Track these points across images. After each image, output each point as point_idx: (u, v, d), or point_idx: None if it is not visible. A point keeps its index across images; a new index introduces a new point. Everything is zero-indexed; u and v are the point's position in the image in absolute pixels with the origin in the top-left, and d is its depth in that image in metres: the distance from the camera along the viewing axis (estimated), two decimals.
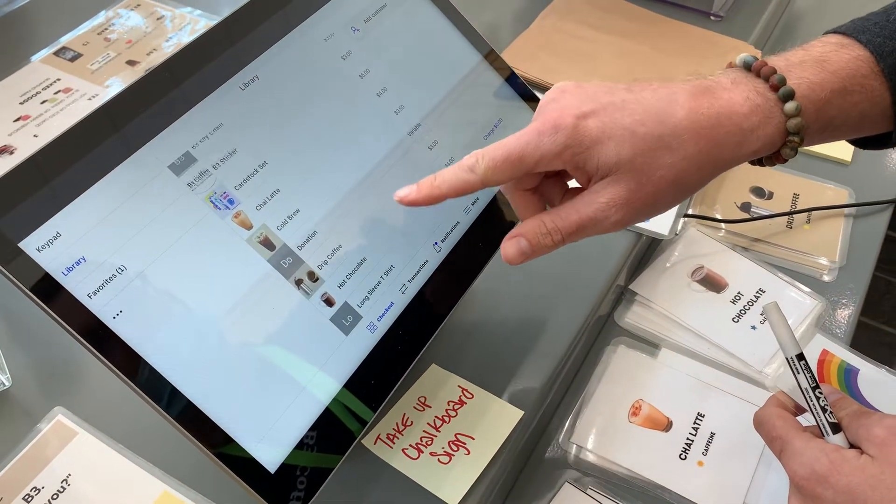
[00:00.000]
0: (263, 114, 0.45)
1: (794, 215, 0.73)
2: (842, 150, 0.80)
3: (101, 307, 0.38)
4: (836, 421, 0.46)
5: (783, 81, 0.41)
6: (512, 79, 0.57)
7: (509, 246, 0.42)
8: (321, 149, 0.47)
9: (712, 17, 0.89)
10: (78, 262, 0.37)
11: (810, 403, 0.47)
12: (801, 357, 0.47)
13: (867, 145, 0.48)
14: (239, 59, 0.45)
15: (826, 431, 0.46)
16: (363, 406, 0.45)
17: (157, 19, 0.88)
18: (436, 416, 0.53)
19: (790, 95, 0.41)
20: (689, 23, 0.88)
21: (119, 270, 0.38)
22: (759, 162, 0.45)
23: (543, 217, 0.42)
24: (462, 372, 0.56)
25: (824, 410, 0.46)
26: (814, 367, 0.56)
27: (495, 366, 0.57)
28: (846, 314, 0.67)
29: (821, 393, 0.47)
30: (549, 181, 0.45)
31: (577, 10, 0.89)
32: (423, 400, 0.54)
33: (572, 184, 0.46)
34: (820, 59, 0.43)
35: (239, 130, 0.44)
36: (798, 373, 0.47)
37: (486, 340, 0.58)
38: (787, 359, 0.48)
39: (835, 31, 0.45)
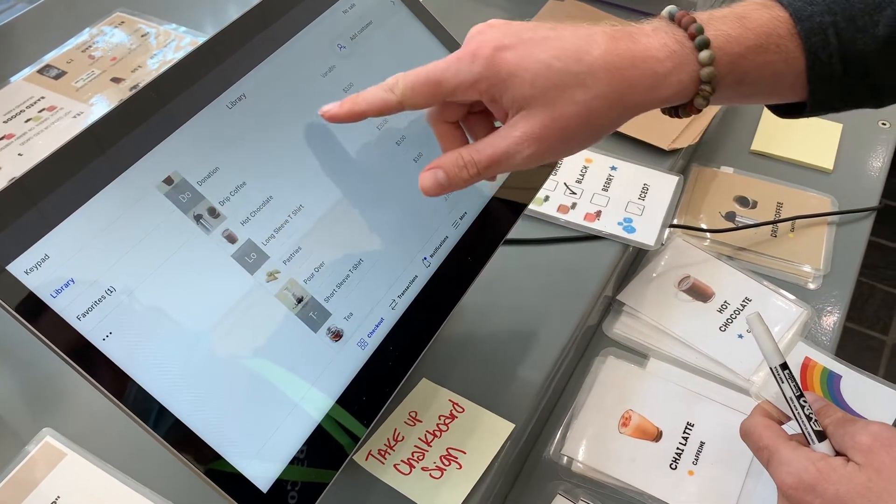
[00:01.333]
0: (249, 130, 0.45)
1: (778, 224, 0.74)
2: (824, 158, 0.81)
3: (90, 329, 0.37)
4: (821, 429, 0.47)
5: (700, 31, 0.42)
6: None
7: (427, 177, 0.43)
8: (299, 156, 0.47)
9: None
10: (67, 284, 0.37)
11: (795, 412, 0.47)
12: (784, 366, 0.48)
13: (785, 113, 0.49)
14: (225, 78, 0.45)
15: (811, 440, 0.46)
16: (355, 421, 0.45)
17: (142, 36, 0.88)
18: (427, 431, 0.53)
19: (705, 44, 0.42)
20: None
21: (108, 291, 0.38)
22: (675, 112, 0.45)
23: (461, 151, 0.43)
24: (452, 386, 0.56)
25: (809, 419, 0.47)
26: (797, 374, 0.56)
27: (485, 379, 0.57)
28: (831, 321, 0.67)
29: (805, 401, 0.47)
30: (474, 118, 0.46)
31: (562, 22, 0.90)
32: (414, 415, 0.54)
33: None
34: (741, 16, 0.44)
35: (223, 146, 0.44)
36: (782, 382, 0.48)
37: (476, 354, 0.59)
38: (770, 368, 0.48)
39: None
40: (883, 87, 0.45)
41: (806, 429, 0.47)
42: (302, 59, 0.49)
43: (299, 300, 0.44)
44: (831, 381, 0.62)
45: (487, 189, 0.55)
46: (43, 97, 0.80)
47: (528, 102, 0.41)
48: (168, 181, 0.42)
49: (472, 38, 0.43)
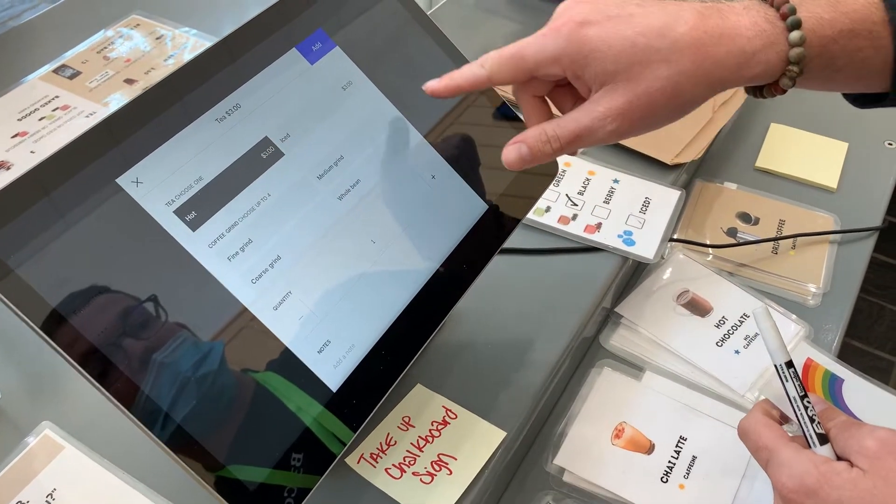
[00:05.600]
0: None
1: (779, 241, 0.74)
2: (828, 177, 0.81)
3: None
4: (823, 432, 0.45)
5: (793, 11, 0.42)
6: (503, 107, 0.58)
7: (511, 151, 0.45)
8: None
9: None
10: (62, 283, 0.38)
11: (798, 413, 0.46)
12: (790, 365, 0.47)
13: (865, 103, 0.48)
14: (219, 91, 0.46)
15: (813, 442, 0.45)
16: (343, 426, 0.45)
17: (157, 38, 0.90)
18: (419, 436, 0.54)
19: (797, 25, 0.42)
20: None
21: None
22: (759, 92, 0.45)
23: (545, 125, 0.44)
24: (447, 392, 0.56)
25: (812, 420, 0.45)
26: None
27: (480, 386, 0.57)
28: (830, 339, 0.67)
29: (809, 402, 0.46)
30: (560, 91, 0.47)
31: None
32: (407, 420, 0.55)
33: None
34: None
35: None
36: (786, 381, 0.46)
37: (472, 361, 0.59)
38: (775, 366, 0.47)
39: None
40: None
41: (808, 431, 0.45)
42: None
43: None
44: (833, 384, 0.62)
45: (483, 200, 0.55)
46: (57, 96, 0.81)
47: (612, 78, 0.42)
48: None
49: (558, 15, 0.44)
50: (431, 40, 0.56)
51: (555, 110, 0.48)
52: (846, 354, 0.66)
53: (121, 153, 0.41)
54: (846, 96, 0.49)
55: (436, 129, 0.54)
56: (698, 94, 0.43)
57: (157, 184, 0.42)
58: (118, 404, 0.39)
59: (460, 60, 0.56)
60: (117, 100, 0.81)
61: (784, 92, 0.44)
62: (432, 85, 0.46)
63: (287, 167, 0.47)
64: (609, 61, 0.41)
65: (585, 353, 0.66)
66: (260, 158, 0.46)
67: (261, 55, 0.48)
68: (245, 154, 0.46)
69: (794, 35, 0.42)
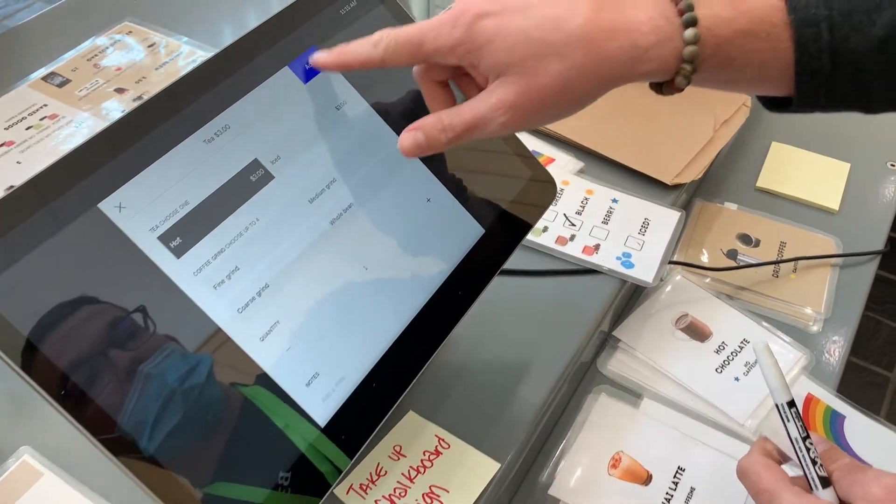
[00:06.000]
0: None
1: (780, 264, 0.73)
2: (830, 198, 0.80)
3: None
4: (825, 475, 0.44)
5: (690, 7, 0.41)
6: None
7: (407, 138, 0.44)
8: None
9: None
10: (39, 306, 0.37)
11: (800, 454, 0.45)
12: (791, 404, 0.45)
13: (773, 107, 0.47)
14: (207, 111, 0.44)
15: (815, 486, 0.44)
16: (337, 456, 0.44)
17: (149, 46, 0.88)
18: (410, 467, 0.52)
19: (692, 22, 0.41)
20: None
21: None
22: (659, 89, 0.44)
23: (442, 113, 0.44)
24: (440, 420, 0.55)
25: (814, 463, 0.44)
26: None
27: (474, 414, 0.56)
28: (831, 366, 0.66)
29: (811, 444, 0.45)
30: (466, 79, 0.46)
31: None
32: (398, 449, 0.53)
33: None
34: None
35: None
36: (788, 421, 0.45)
37: (466, 387, 0.58)
38: (776, 405, 0.46)
39: None
40: (872, 90, 0.43)
41: (810, 473, 0.44)
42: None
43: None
44: (834, 421, 0.61)
45: (480, 223, 0.54)
46: (45, 104, 0.79)
47: (505, 70, 0.41)
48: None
49: (457, 2, 0.43)
50: None
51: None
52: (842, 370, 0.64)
53: (103, 177, 0.40)
54: (759, 99, 0.48)
55: None
56: (591, 90, 0.42)
57: (140, 209, 0.41)
58: (90, 436, 0.37)
59: None
60: (106, 109, 0.79)
61: (681, 90, 0.43)
62: (320, 57, 0.45)
63: (277, 191, 0.46)
64: (503, 53, 0.41)
65: (582, 378, 0.64)
66: (249, 182, 0.45)
67: (251, 74, 0.47)
68: (234, 177, 0.44)
69: (689, 33, 0.41)
